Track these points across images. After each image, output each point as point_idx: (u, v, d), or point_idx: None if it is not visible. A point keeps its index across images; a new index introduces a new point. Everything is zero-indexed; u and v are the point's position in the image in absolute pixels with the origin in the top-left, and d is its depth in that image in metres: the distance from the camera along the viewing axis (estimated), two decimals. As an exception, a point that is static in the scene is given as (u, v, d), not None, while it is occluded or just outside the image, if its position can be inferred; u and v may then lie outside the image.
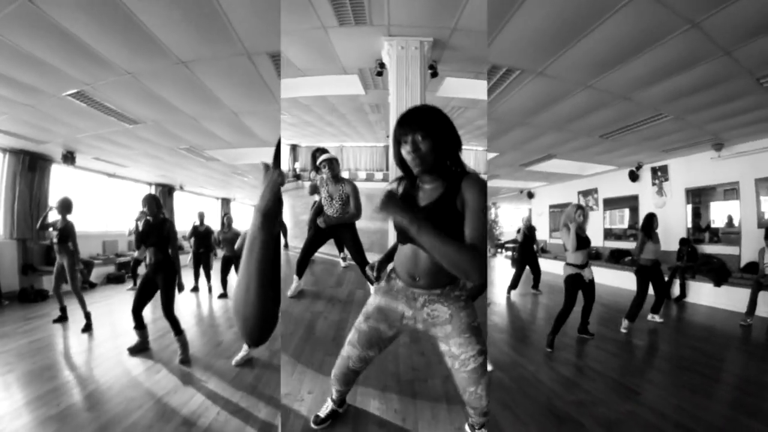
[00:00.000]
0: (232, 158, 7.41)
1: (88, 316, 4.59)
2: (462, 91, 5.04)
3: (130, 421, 2.47)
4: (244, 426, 2.47)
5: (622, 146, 6.20)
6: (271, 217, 0.70)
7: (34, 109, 4.39)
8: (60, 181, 7.34)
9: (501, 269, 11.10)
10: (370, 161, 15.60)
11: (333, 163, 3.35)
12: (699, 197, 6.94)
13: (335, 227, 3.36)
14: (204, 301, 6.41)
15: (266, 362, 3.52)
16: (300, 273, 3.57)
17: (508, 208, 16.82)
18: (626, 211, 8.73)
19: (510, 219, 16.82)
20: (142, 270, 4.29)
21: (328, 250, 4.41)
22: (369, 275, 1.68)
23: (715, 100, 4.04)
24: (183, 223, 10.16)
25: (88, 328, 4.50)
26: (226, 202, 15.25)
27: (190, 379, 3.16)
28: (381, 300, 1.67)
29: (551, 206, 11.22)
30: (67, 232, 4.69)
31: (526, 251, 6.84)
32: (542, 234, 10.70)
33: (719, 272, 5.84)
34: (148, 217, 3.75)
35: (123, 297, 6.63)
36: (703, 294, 6.10)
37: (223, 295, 6.54)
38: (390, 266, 1.72)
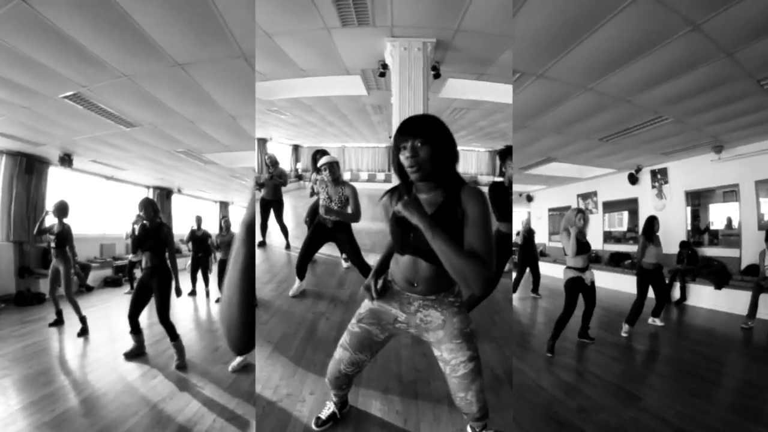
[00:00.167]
0: (230, 161, 7.39)
1: (83, 320, 4.55)
2: (464, 92, 5.03)
3: (126, 428, 2.43)
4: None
5: (621, 149, 6.19)
6: (252, 228, 0.70)
7: (30, 111, 4.36)
8: (57, 184, 7.31)
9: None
10: (372, 162, 15.62)
11: (334, 167, 3.35)
12: (698, 200, 6.93)
13: (331, 231, 3.38)
14: (202, 305, 6.37)
15: (264, 367, 3.48)
16: (300, 274, 3.58)
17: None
18: (625, 214, 8.72)
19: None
20: (139, 273, 4.26)
21: (330, 251, 4.39)
22: (370, 292, 1.65)
23: (715, 103, 4.03)
24: (181, 226, 10.13)
25: (83, 333, 4.46)
26: (224, 206, 15.22)
27: (186, 385, 3.12)
28: (375, 302, 1.67)
29: (550, 209, 11.20)
30: (64, 236, 4.65)
31: (526, 254, 6.81)
32: (541, 237, 10.67)
33: (720, 275, 5.82)
34: (144, 222, 3.71)
35: (120, 300, 6.58)
36: (703, 297, 6.07)
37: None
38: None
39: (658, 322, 4.88)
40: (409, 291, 1.56)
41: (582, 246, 3.77)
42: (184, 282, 4.70)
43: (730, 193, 6.26)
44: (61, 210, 4.68)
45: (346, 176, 15.04)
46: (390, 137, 1.66)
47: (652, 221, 4.65)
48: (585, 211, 4.01)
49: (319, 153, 3.98)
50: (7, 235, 6.36)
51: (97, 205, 8.88)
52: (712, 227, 6.78)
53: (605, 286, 7.31)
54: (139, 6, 2.48)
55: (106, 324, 5.01)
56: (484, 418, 1.62)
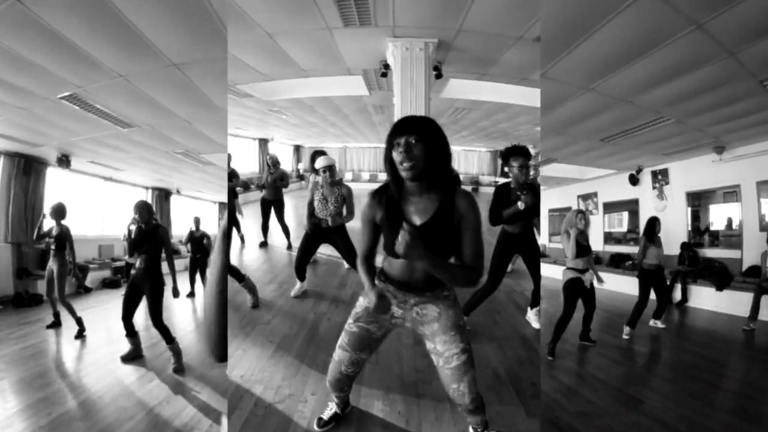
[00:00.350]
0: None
1: (80, 322, 4.51)
2: (466, 92, 5.02)
3: (121, 433, 2.41)
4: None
5: (622, 150, 6.16)
6: (228, 236, 0.72)
7: (27, 111, 4.32)
8: (56, 185, 7.26)
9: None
10: (373, 162, 15.68)
11: (333, 169, 3.42)
12: (699, 200, 6.90)
13: (327, 232, 3.43)
14: (201, 307, 6.33)
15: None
16: (300, 276, 3.61)
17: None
18: (625, 215, 8.68)
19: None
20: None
21: (332, 252, 4.38)
22: (384, 302, 1.66)
23: (717, 103, 3.99)
24: (180, 227, 10.10)
25: (80, 335, 4.43)
26: (223, 206, 15.18)
27: (183, 389, 3.09)
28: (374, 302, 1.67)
29: (550, 210, 11.16)
30: (63, 238, 4.62)
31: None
32: (541, 238, 10.62)
33: (721, 276, 5.78)
34: (140, 224, 3.68)
35: (118, 302, 6.42)
36: (704, 298, 6.02)
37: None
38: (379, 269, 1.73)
39: (659, 324, 4.85)
40: (406, 290, 1.59)
41: (582, 248, 3.74)
42: (183, 283, 4.67)
43: (731, 193, 6.23)
44: (59, 212, 4.65)
45: (348, 176, 15.10)
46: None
47: (653, 222, 4.62)
48: (586, 213, 3.98)
49: (317, 153, 3.98)
50: (5, 237, 6.32)
51: (95, 206, 8.85)
52: (711, 228, 6.75)
53: (606, 288, 7.26)
54: (135, 6, 2.45)
55: (104, 326, 4.97)
56: (479, 410, 1.65)
